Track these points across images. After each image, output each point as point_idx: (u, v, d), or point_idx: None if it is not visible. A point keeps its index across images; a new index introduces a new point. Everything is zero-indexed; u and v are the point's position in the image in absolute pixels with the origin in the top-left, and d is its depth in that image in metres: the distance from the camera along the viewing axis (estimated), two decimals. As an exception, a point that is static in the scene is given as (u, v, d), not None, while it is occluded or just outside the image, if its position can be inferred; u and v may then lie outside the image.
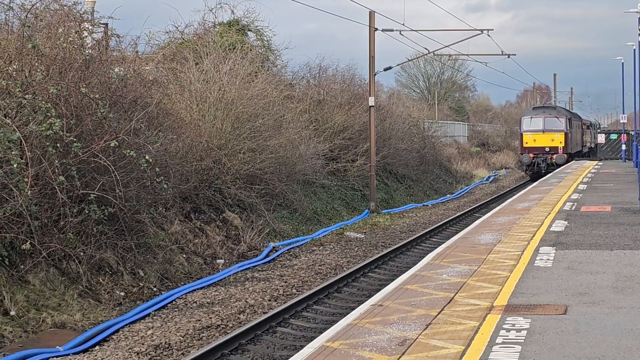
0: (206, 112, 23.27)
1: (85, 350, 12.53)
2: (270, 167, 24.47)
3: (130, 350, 12.36)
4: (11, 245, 13.84)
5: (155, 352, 12.34)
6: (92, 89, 16.16)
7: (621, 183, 32.50)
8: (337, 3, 43.86)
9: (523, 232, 17.50)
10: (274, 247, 21.96)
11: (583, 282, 11.80)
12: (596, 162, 53.29)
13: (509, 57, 43.22)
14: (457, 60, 75.32)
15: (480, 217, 24.80)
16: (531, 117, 49.14)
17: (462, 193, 42.93)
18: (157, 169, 16.74)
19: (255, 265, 19.64)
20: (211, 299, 15.84)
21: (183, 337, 13.11)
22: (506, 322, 9.56)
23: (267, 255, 20.84)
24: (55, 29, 16.68)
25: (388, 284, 13.23)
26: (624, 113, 62.05)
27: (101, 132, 15.97)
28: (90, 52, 17.29)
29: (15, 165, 13.37)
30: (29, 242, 13.62)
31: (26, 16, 16.23)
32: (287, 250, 21.89)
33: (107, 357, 12.11)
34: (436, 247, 17.78)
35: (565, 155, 48.40)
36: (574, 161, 51.50)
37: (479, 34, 36.54)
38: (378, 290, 14.53)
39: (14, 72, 15.25)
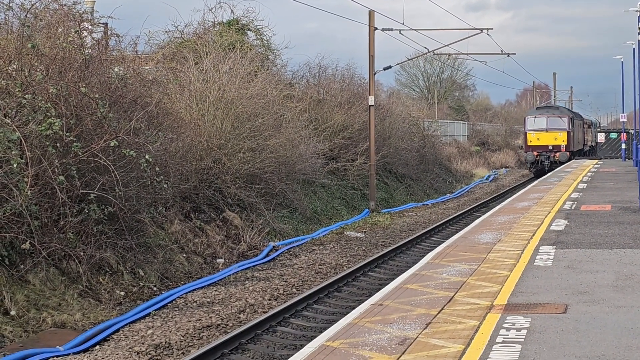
0: (206, 111, 23.27)
1: (85, 350, 12.53)
2: (270, 167, 24.47)
3: (130, 350, 12.36)
4: (11, 245, 13.84)
5: (156, 352, 12.34)
6: (92, 88, 16.16)
7: (621, 182, 32.50)
8: (337, 2, 43.90)
9: (523, 231, 17.51)
10: (274, 247, 21.96)
11: (583, 281, 11.80)
12: (596, 161, 53.59)
13: (508, 56, 43.36)
14: (457, 59, 75.35)
15: (480, 216, 24.81)
16: (535, 117, 51.25)
17: (462, 192, 42.96)
18: (157, 169, 16.74)
19: (256, 265, 19.65)
20: (211, 299, 15.85)
21: (183, 337, 13.11)
22: (506, 321, 9.56)
23: (267, 255, 20.84)
24: (54, 28, 16.68)
25: (388, 283, 13.23)
26: (623, 112, 61.97)
27: (101, 131, 15.97)
28: (89, 51, 17.29)
29: (15, 165, 13.37)
30: (29, 241, 13.62)
31: (26, 16, 16.23)
32: (287, 249, 21.89)
33: (107, 356, 12.11)
34: (436, 246, 17.78)
35: (568, 153, 50.31)
36: (573, 160, 51.95)
37: (478, 33, 36.59)
38: (378, 289, 14.53)
39: (14, 72, 15.24)
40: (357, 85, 37.72)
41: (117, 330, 13.53)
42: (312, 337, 11.64)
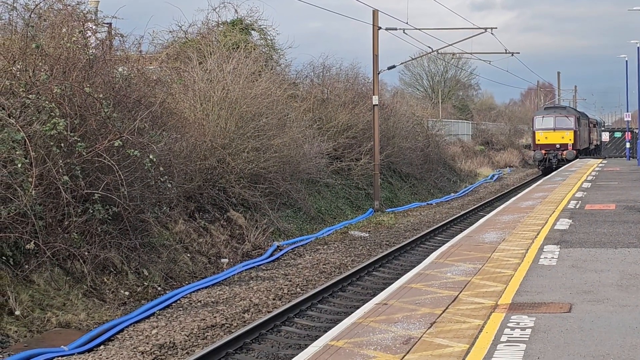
0: (210, 111, 23.27)
1: (90, 350, 12.54)
2: (274, 166, 24.46)
3: (135, 350, 12.36)
4: (16, 245, 13.85)
5: (160, 352, 12.34)
6: (96, 88, 16.17)
7: (625, 181, 32.47)
8: (341, 2, 43.97)
9: (527, 231, 17.49)
10: (278, 246, 21.96)
11: (587, 281, 11.79)
12: (600, 160, 53.91)
13: (512, 55, 43.26)
14: (461, 58, 75.40)
15: (485, 215, 24.78)
16: (543, 117, 53.04)
17: (466, 192, 42.95)
18: (161, 169, 16.74)
19: (260, 265, 19.65)
20: (216, 298, 15.85)
21: (188, 336, 13.11)
22: (511, 320, 9.55)
23: (272, 255, 20.84)
24: (59, 28, 16.69)
25: (392, 283, 13.23)
26: (628, 111, 61.84)
27: (105, 131, 15.98)
28: (94, 51, 17.30)
29: (19, 165, 13.39)
30: (33, 241, 13.63)
31: (30, 16, 16.25)
32: (292, 249, 21.89)
33: (111, 356, 12.12)
34: (440, 246, 17.78)
35: (575, 151, 51.99)
36: (577, 159, 52.24)
37: (482, 33, 36.53)
38: (382, 289, 14.53)
39: (18, 72, 15.26)
40: (361, 84, 37.70)
41: (122, 330, 13.53)
42: (317, 337, 11.65)
